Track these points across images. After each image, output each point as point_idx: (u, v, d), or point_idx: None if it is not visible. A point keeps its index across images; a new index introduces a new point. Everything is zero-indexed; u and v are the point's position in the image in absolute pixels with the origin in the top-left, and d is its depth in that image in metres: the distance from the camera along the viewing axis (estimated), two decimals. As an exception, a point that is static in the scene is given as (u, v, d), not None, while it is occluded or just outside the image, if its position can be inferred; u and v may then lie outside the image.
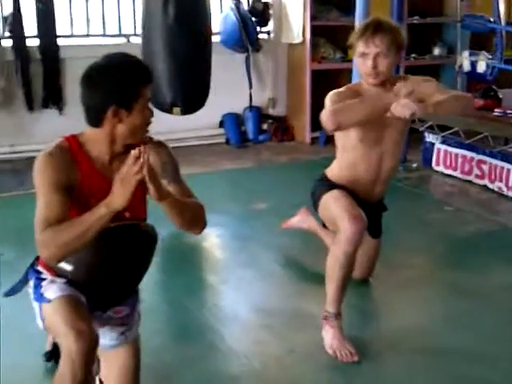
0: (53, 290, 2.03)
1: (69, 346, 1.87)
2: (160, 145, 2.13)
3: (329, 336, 2.69)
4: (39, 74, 5.60)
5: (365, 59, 2.74)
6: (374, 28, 2.72)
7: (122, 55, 2.02)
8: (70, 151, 1.99)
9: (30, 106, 5.61)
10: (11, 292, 2.31)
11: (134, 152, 1.82)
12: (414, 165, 5.47)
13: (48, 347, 2.54)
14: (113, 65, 1.97)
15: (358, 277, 3.21)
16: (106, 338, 2.16)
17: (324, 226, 3.19)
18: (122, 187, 1.84)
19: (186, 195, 2.10)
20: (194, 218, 2.08)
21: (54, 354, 2.48)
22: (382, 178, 3.03)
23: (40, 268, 2.12)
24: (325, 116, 2.70)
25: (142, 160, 1.81)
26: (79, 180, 1.97)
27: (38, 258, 2.15)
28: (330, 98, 2.80)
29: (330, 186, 2.96)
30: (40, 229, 1.89)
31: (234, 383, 2.51)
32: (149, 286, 3.43)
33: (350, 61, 5.36)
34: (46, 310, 2.03)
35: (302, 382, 2.52)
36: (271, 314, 3.04)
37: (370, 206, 2.95)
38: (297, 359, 2.66)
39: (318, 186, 3.05)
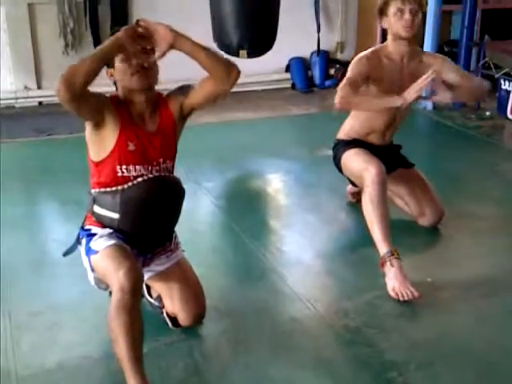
0: (100, 242, 2.24)
1: (120, 281, 2.03)
2: (173, 93, 2.37)
3: (390, 278, 2.68)
4: (108, 15, 5.61)
5: (402, 14, 2.96)
6: None
7: None
8: (112, 100, 2.27)
9: (98, 48, 5.63)
10: (67, 252, 2.49)
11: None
12: (488, 113, 5.26)
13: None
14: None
15: (427, 222, 3.24)
16: (156, 265, 2.41)
17: (352, 184, 3.39)
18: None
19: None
20: (219, 60, 2.22)
21: None
22: (395, 125, 3.22)
23: (88, 226, 2.35)
24: (337, 96, 2.93)
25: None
26: (119, 124, 2.24)
27: (85, 220, 2.39)
28: (350, 67, 3.03)
29: (345, 146, 3.21)
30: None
31: (296, 326, 2.50)
32: (215, 228, 3.48)
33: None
34: (95, 260, 2.23)
35: (365, 327, 2.49)
36: (335, 260, 3.03)
37: (385, 150, 3.18)
38: (360, 304, 2.63)
39: (335, 152, 3.30)
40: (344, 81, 2.98)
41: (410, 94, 2.82)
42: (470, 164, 4.08)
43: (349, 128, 3.28)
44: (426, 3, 5.02)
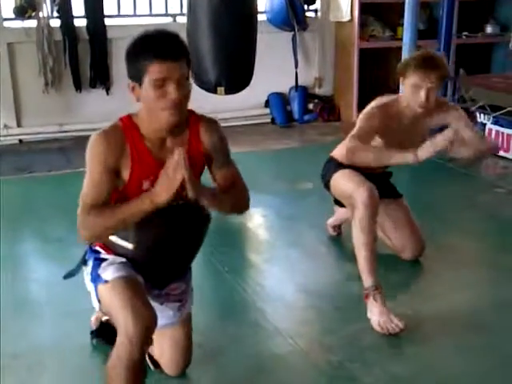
0: (110, 270, 2.03)
1: (127, 328, 1.86)
2: (210, 122, 2.12)
3: (374, 314, 2.68)
4: (87, 53, 5.65)
5: (417, 90, 2.84)
6: (431, 64, 2.83)
7: (154, 30, 1.96)
8: (124, 131, 1.99)
9: (78, 86, 5.67)
10: (70, 275, 2.33)
11: (177, 151, 1.86)
12: (464, 145, 5.33)
13: (93, 326, 2.57)
14: (133, 40, 1.96)
15: (409, 256, 3.24)
16: (163, 317, 2.17)
17: (338, 204, 3.32)
18: (167, 181, 1.87)
19: (232, 180, 2.13)
20: (234, 207, 2.15)
21: (100, 333, 2.53)
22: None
23: (98, 248, 2.14)
24: (346, 149, 2.88)
25: (182, 160, 1.84)
26: (130, 162, 1.98)
27: None
28: (360, 120, 2.96)
29: (338, 165, 3.11)
30: (83, 209, 1.96)
31: (278, 362, 2.50)
32: (194, 263, 3.47)
33: (400, 39, 5.28)
34: (103, 291, 2.03)
35: (347, 362, 2.49)
36: (316, 294, 3.02)
37: (377, 177, 3.08)
38: (342, 339, 2.63)
39: (327, 168, 3.22)
40: (353, 132, 2.92)
41: (424, 152, 2.68)
42: (449, 196, 4.13)
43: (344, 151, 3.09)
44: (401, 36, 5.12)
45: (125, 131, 1.99)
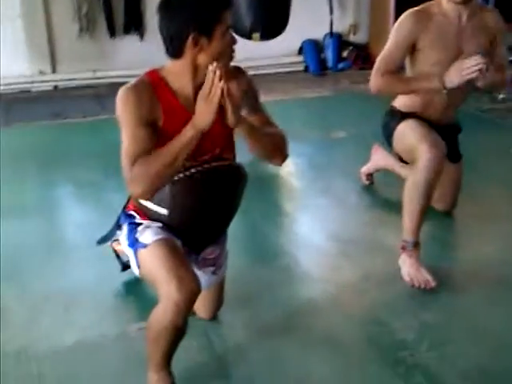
0: (148, 234, 1.96)
1: (171, 293, 1.79)
2: (239, 72, 2.05)
3: (406, 264, 2.67)
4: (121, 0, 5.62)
5: None
6: None
7: None
8: (153, 86, 1.91)
9: (112, 32, 5.68)
10: (103, 240, 2.34)
11: (211, 67, 1.78)
12: (501, 95, 5.23)
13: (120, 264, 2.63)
14: None
15: (441, 209, 3.18)
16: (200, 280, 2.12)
17: (401, 160, 3.09)
18: (205, 105, 1.79)
19: (267, 125, 2.04)
20: (273, 148, 2.02)
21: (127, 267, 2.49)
22: (454, 104, 2.94)
23: (132, 212, 2.08)
24: (373, 75, 2.73)
25: (219, 74, 1.76)
26: (163, 116, 1.90)
27: (128, 202, 2.14)
28: (394, 31, 2.79)
29: (402, 116, 2.89)
30: (129, 165, 1.83)
31: (310, 306, 2.54)
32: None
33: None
34: (143, 256, 1.94)
35: (377, 307, 2.52)
36: (347, 242, 3.04)
37: (444, 130, 2.84)
38: (372, 286, 2.66)
39: (389, 119, 2.97)
40: (381, 56, 2.75)
41: (452, 78, 2.52)
42: (483, 146, 4.08)
43: (406, 99, 2.93)
44: None
45: (154, 86, 1.91)
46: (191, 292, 1.82)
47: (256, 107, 2.06)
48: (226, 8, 1.88)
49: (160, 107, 1.90)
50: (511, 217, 3.29)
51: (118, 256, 2.62)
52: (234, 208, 2.15)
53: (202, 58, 1.88)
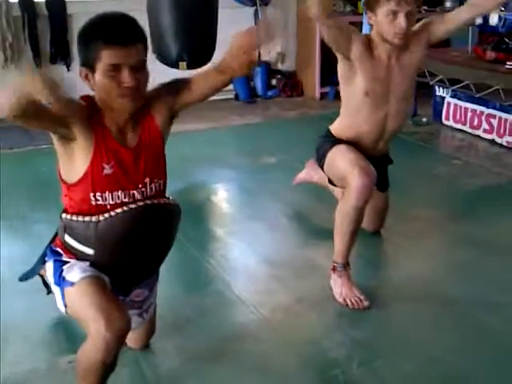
0: (75, 271, 1.89)
1: (100, 331, 1.74)
2: (150, 91, 1.97)
3: (337, 285, 2.72)
4: (46, 29, 5.58)
5: (395, 18, 2.64)
6: None
7: (106, 14, 1.87)
8: (88, 109, 1.87)
9: (38, 62, 5.60)
10: (26, 276, 2.27)
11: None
12: (424, 119, 5.43)
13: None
14: (85, 25, 1.87)
15: (369, 230, 3.26)
16: None
17: (330, 183, 3.09)
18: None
19: (211, 70, 2.10)
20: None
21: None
22: (385, 137, 3.01)
23: (59, 249, 2.01)
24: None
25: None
26: (94, 143, 1.86)
27: (55, 237, 2.08)
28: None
29: (335, 141, 2.93)
30: None
31: (243, 331, 2.55)
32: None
33: (361, 14, 5.30)
34: (71, 294, 1.88)
35: (309, 328, 2.56)
36: (279, 265, 3.07)
37: (375, 160, 2.88)
38: (305, 308, 2.70)
39: (322, 143, 2.99)
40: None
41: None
42: (408, 169, 4.21)
43: (342, 125, 2.98)
44: (362, 11, 5.16)
45: (89, 110, 1.87)
46: (120, 329, 1.77)
47: (186, 81, 2.03)
48: (107, 45, 1.79)
49: (92, 135, 1.86)
50: (436, 235, 3.41)
51: (43, 280, 2.53)
52: (166, 247, 2.10)
53: (96, 93, 1.88)
